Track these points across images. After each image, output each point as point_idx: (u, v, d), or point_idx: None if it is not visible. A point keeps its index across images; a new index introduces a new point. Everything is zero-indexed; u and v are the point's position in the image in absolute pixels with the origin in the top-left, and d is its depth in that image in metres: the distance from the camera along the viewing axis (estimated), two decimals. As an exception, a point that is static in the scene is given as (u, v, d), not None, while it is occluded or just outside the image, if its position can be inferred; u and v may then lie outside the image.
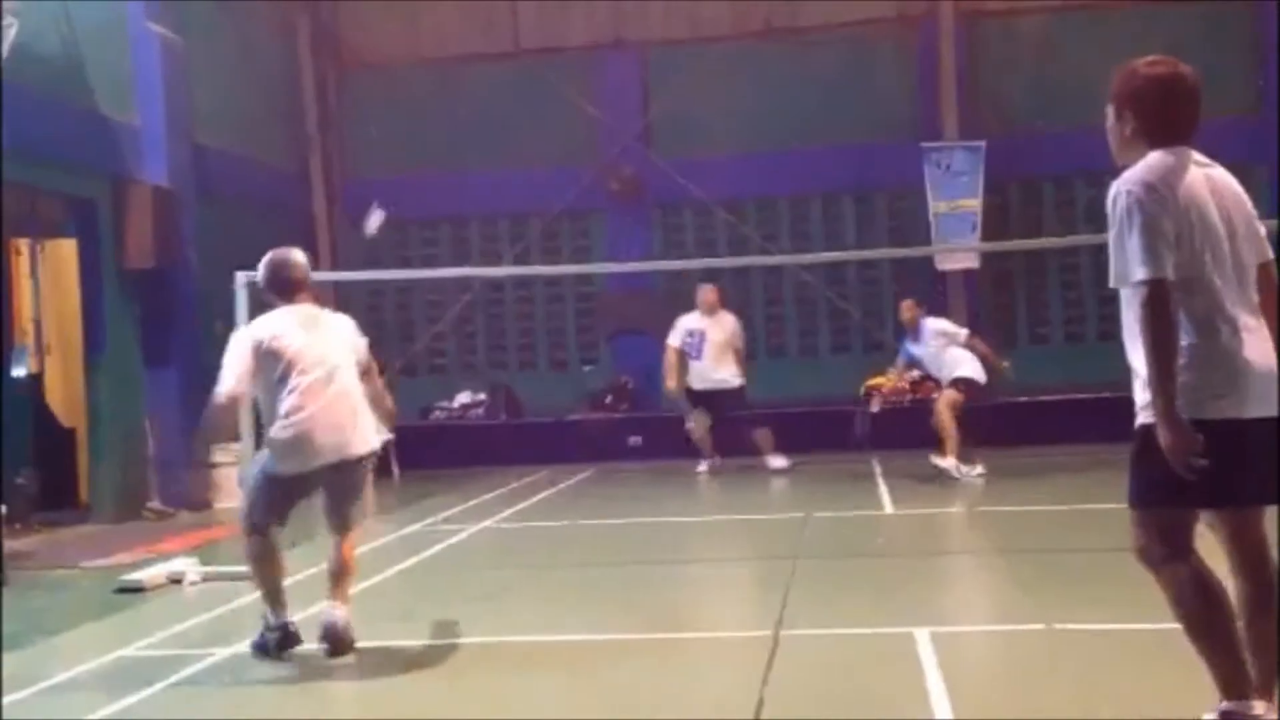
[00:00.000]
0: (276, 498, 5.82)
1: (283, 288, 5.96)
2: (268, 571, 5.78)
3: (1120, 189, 3.62)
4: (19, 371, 12.19)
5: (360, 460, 5.84)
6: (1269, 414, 3.57)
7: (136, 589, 7.49)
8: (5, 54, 8.95)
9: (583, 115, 16.61)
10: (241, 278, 8.12)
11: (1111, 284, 3.65)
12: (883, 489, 10.95)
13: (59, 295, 12.30)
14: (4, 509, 8.40)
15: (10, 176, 10.26)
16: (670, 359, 12.78)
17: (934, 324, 11.80)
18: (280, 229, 15.67)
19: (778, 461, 12.49)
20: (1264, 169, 15.76)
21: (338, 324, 6.01)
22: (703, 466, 12.70)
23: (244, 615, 6.76)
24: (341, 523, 5.91)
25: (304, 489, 5.85)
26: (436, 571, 8.09)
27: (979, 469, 11.18)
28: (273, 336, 5.72)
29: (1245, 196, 3.87)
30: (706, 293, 12.90)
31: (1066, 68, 15.93)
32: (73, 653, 5.95)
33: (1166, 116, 3.81)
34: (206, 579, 7.71)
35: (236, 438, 7.90)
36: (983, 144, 15.46)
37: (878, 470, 12.09)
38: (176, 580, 7.68)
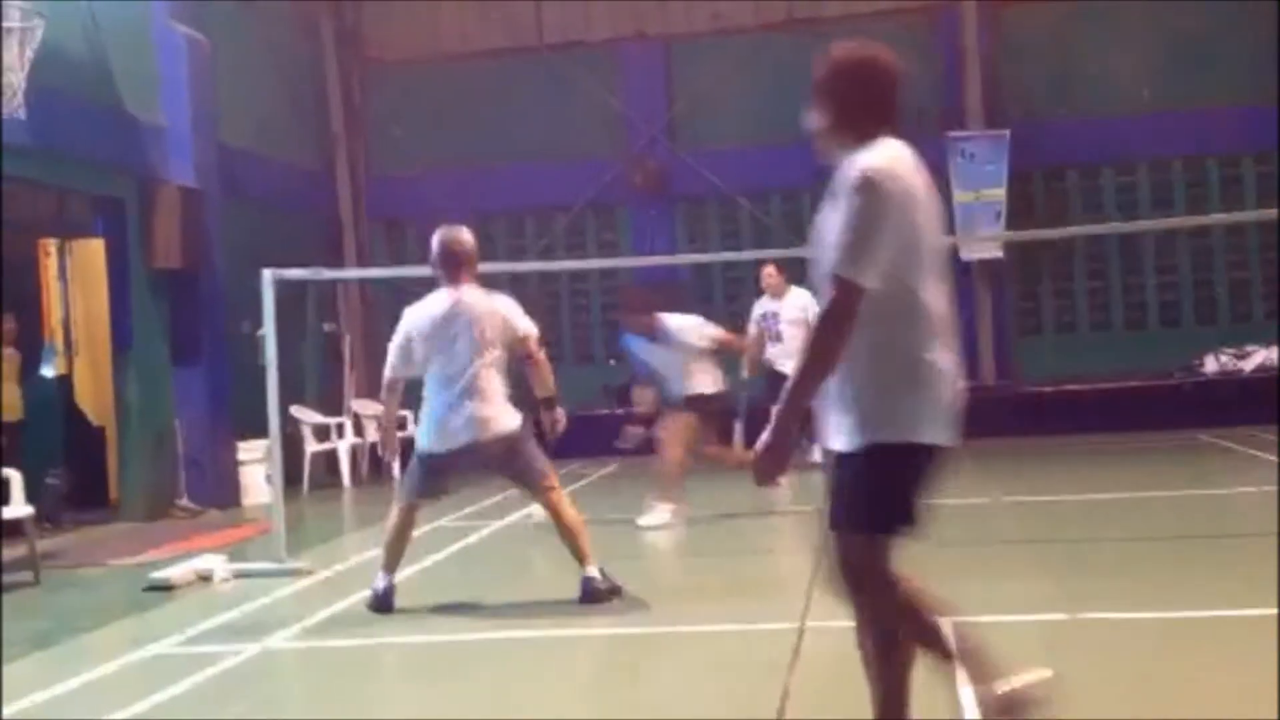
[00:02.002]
0: (428, 476, 6.38)
1: (447, 266, 6.41)
2: (400, 543, 6.38)
3: (863, 173, 3.20)
4: (48, 371, 12.31)
5: (499, 439, 6.25)
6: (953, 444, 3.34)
7: (166, 587, 7.56)
8: (31, 54, 9.02)
9: (606, 109, 16.63)
10: (268, 276, 8.16)
11: (828, 270, 3.21)
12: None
13: (87, 295, 12.41)
14: (35, 509, 8.47)
15: (38, 177, 10.37)
16: (752, 350, 11.17)
17: (679, 321, 9.34)
18: (306, 228, 15.84)
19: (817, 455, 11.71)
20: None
21: (494, 306, 6.47)
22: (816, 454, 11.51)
23: (273, 611, 6.82)
24: (528, 490, 6.50)
25: (455, 467, 6.38)
26: (461, 567, 8.12)
27: (666, 514, 9.05)
28: (427, 321, 6.34)
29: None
30: (768, 275, 11.70)
31: (1089, 56, 15.87)
32: (103, 650, 6.01)
33: (885, 105, 3.42)
34: (236, 576, 7.77)
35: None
36: (1007, 133, 15.40)
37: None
38: (206, 578, 7.74)
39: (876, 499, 3.25)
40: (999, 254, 15.69)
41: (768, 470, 3.21)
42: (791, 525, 9.11)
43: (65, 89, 10.31)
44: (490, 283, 18.29)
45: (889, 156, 3.26)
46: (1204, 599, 5.79)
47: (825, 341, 3.17)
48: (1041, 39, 16.05)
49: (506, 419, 6.33)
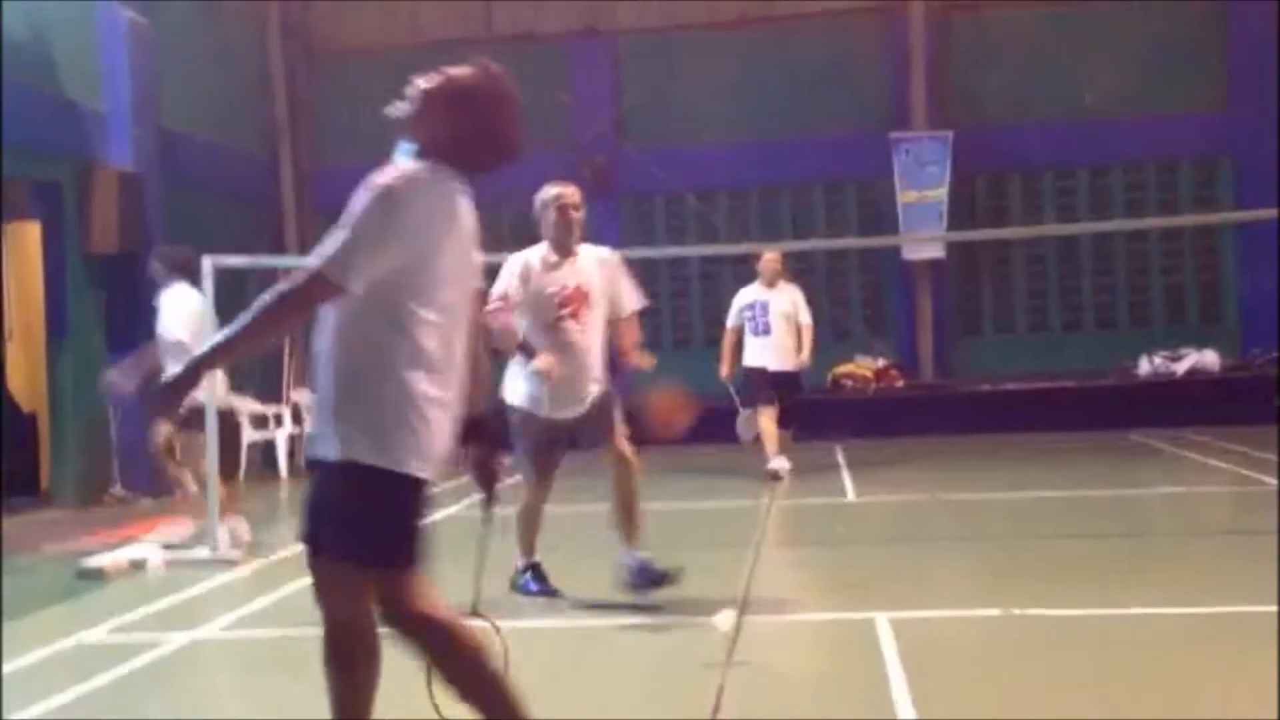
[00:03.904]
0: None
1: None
2: (535, 520, 6.23)
3: (391, 181, 3.12)
4: (-19, 356, 12.10)
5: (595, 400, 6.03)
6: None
7: (98, 575, 7.46)
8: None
9: (555, 104, 16.58)
10: (208, 263, 8.06)
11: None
12: (846, 477, 11.01)
13: (21, 279, 12.20)
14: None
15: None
16: (728, 343, 10.85)
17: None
18: (248, 216, 15.67)
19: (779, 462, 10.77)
20: (1228, 164, 15.95)
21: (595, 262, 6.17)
22: (778, 463, 10.65)
23: (205, 601, 6.76)
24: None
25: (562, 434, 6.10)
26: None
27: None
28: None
29: None
30: (768, 260, 10.93)
31: (1037, 62, 16.07)
32: (33, 637, 5.91)
33: (473, 137, 3.31)
34: (168, 565, 7.68)
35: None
36: (950, 135, 15.55)
37: (841, 459, 12.13)
38: (138, 566, 7.64)
39: (382, 532, 3.11)
40: (940, 254, 15.84)
41: (159, 405, 3.13)
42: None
43: (3, 70, 10.13)
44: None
45: (433, 179, 3.18)
46: (1133, 596, 5.88)
47: (269, 319, 3.04)
48: (988, 44, 16.21)
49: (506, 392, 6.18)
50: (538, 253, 6.12)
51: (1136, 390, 14.69)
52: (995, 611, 5.61)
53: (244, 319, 3.05)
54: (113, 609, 6.45)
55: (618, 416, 6.05)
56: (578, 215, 6.08)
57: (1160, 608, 5.65)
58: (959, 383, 15.71)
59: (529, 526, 6.24)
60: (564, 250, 6.06)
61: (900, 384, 15.67)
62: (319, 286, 3.02)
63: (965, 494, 9.90)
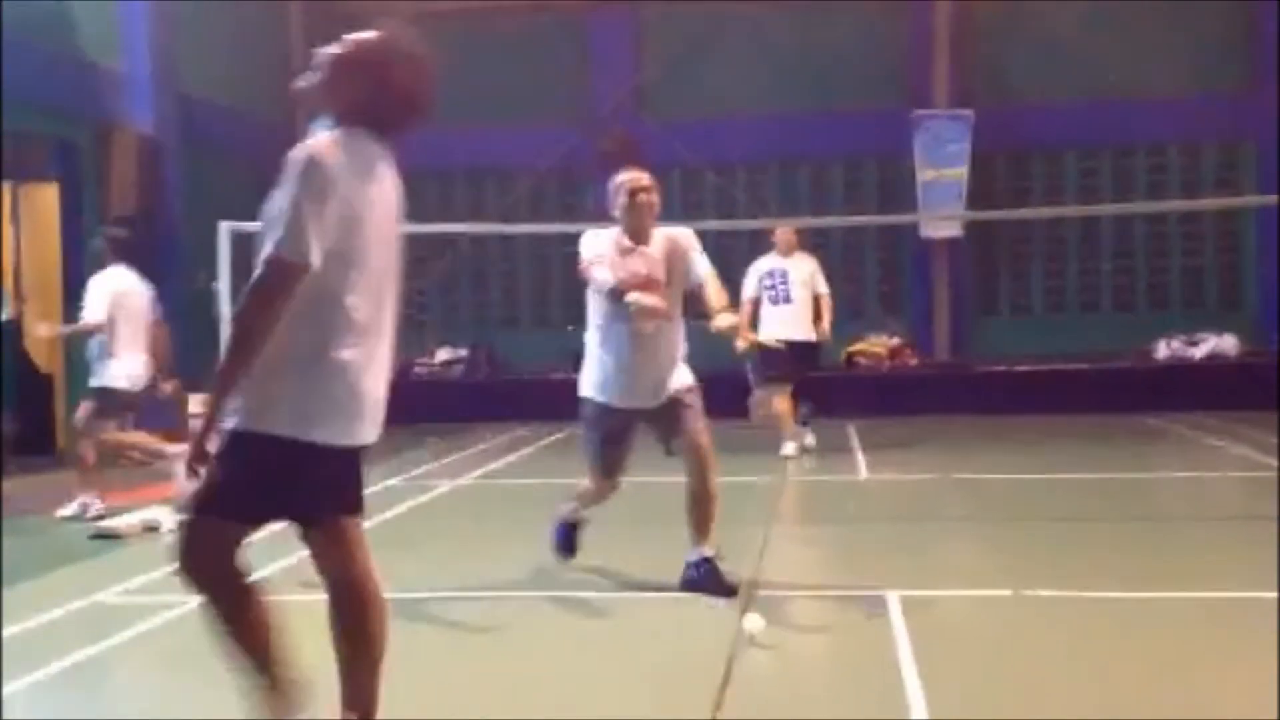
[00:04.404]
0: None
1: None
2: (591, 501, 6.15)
3: (308, 154, 3.11)
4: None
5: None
6: (362, 442, 3.26)
7: (113, 536, 7.50)
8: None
9: (574, 74, 16.55)
10: (224, 228, 8.07)
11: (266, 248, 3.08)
12: (859, 455, 11.00)
13: (39, 240, 12.23)
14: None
15: (-8, 119, 10.19)
16: (745, 314, 10.34)
17: None
18: (266, 181, 15.57)
19: (808, 438, 10.88)
20: (1251, 148, 15.84)
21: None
22: (790, 449, 10.63)
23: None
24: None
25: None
26: (412, 525, 8.12)
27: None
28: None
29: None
30: (781, 230, 10.96)
31: (1060, 42, 15.96)
32: (47, 598, 5.95)
33: (378, 100, 3.27)
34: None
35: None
36: (971, 113, 15.47)
37: (854, 437, 12.12)
38: (152, 528, 7.68)
39: (228, 485, 3.13)
40: (959, 233, 15.78)
41: (198, 459, 3.11)
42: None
43: (22, 31, 10.13)
44: (449, 243, 18.13)
45: (341, 144, 3.16)
46: (1144, 580, 5.87)
47: (251, 319, 3.03)
48: (1012, 22, 16.11)
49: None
50: (613, 236, 5.80)
51: (1153, 373, 14.64)
52: (1006, 592, 5.61)
53: (230, 336, 3.07)
54: (126, 571, 6.49)
55: (698, 411, 5.74)
56: (649, 199, 5.77)
57: (1171, 591, 5.64)
58: (973, 362, 15.67)
59: (585, 497, 6.14)
60: (636, 237, 5.76)
61: (914, 363, 15.64)
62: (284, 272, 3.02)
63: (977, 474, 9.88)
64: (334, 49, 3.33)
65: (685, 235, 5.89)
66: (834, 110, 16.03)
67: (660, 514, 7.81)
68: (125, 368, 8.33)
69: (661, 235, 5.81)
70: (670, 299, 5.65)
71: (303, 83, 3.35)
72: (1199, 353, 14.98)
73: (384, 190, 3.26)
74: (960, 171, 15.42)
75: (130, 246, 8.41)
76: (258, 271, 3.05)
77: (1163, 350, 15.12)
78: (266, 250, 3.05)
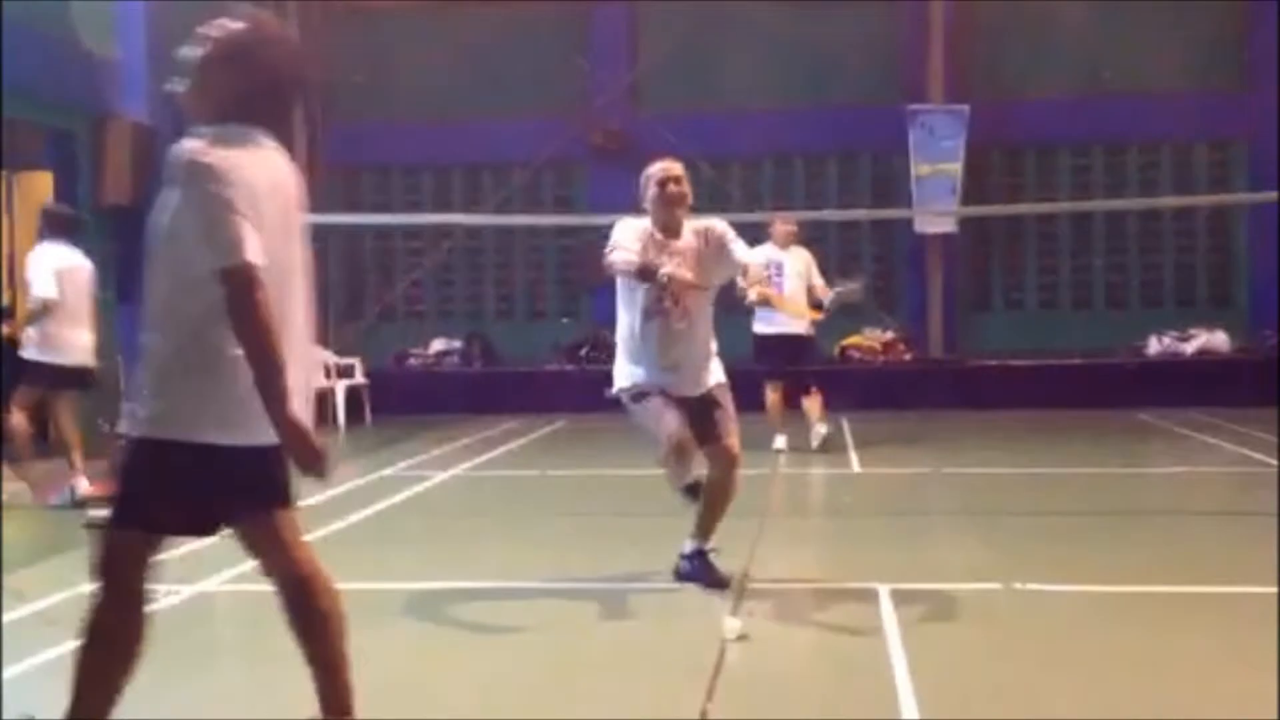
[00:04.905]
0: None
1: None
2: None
3: (195, 157, 3.04)
4: (-8, 304, 12.13)
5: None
6: (264, 443, 3.09)
7: (104, 526, 7.49)
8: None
9: (570, 67, 16.54)
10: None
11: (212, 266, 2.97)
12: (851, 449, 11.03)
13: (33, 228, 12.18)
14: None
15: (-13, 107, 10.17)
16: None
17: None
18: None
19: (821, 428, 10.70)
20: (1243, 146, 15.88)
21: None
22: (780, 442, 10.61)
23: (212, 553, 6.79)
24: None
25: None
26: (405, 516, 8.13)
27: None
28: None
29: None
30: (780, 223, 10.87)
31: (1056, 38, 15.97)
32: (39, 587, 5.96)
33: (255, 92, 3.20)
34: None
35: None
36: (966, 109, 15.47)
37: (847, 430, 12.15)
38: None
39: (137, 495, 3.13)
40: (953, 229, 15.80)
41: (313, 460, 3.03)
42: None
43: (17, 19, 10.11)
44: (445, 234, 18.12)
45: (239, 139, 3.11)
46: (1133, 574, 5.91)
47: (258, 338, 2.94)
48: (1007, 18, 16.10)
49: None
50: (644, 227, 5.58)
51: (1145, 369, 14.68)
52: (996, 585, 5.63)
53: (253, 363, 2.96)
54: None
55: (731, 412, 5.63)
56: (679, 190, 5.56)
57: (1159, 585, 5.68)
58: (967, 357, 15.71)
59: (671, 463, 5.55)
60: (667, 229, 5.54)
61: (908, 357, 15.67)
62: (249, 279, 2.94)
63: (969, 468, 9.91)
64: (200, 48, 3.25)
65: (718, 225, 5.66)
66: (829, 104, 16.03)
67: (651, 506, 7.84)
68: (72, 342, 8.30)
69: (692, 228, 5.61)
70: (700, 297, 5.49)
71: (178, 87, 3.26)
72: (1190, 349, 15.03)
73: (279, 182, 3.19)
74: (955, 167, 15.43)
75: (73, 223, 8.42)
76: (227, 294, 2.94)
77: (1154, 346, 15.17)
78: (216, 265, 2.95)
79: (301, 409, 3.06)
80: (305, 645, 3.30)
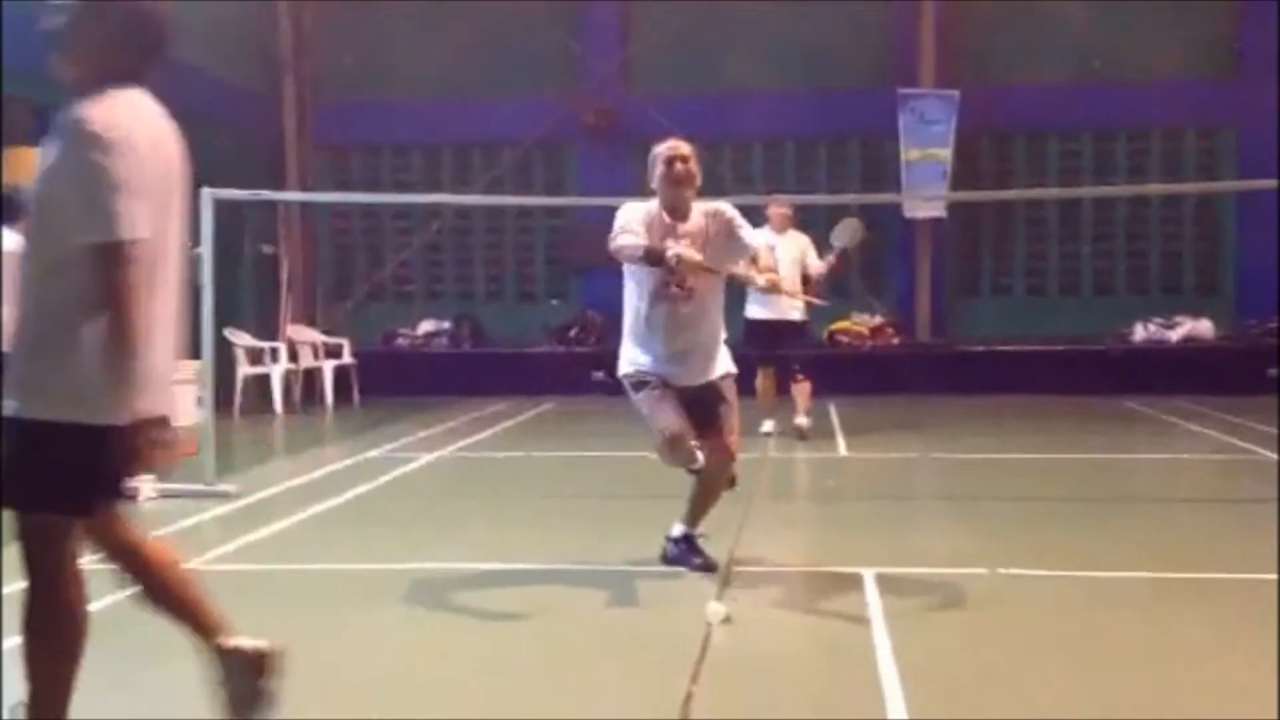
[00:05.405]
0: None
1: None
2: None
3: (86, 124, 2.94)
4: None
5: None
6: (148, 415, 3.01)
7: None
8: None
9: (561, 47, 16.48)
10: (207, 195, 8.04)
11: (92, 239, 2.88)
12: (838, 433, 11.05)
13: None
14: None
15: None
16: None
17: None
18: (249, 150, 15.58)
19: (801, 419, 10.54)
20: (1232, 133, 15.89)
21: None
22: (768, 425, 10.55)
23: (197, 534, 6.80)
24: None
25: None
26: (390, 498, 8.13)
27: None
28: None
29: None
30: (776, 206, 10.73)
31: (1046, 24, 15.96)
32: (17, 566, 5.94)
33: (130, 51, 3.15)
34: (162, 496, 7.71)
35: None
36: (956, 94, 15.46)
37: (834, 415, 12.17)
38: (131, 497, 7.66)
39: (35, 474, 3.02)
40: (942, 214, 15.80)
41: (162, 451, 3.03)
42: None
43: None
44: (434, 214, 18.03)
45: (120, 103, 3.02)
46: (1117, 560, 5.93)
47: (120, 320, 2.86)
48: (998, 4, 16.07)
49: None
50: (650, 209, 5.43)
51: (1131, 356, 14.73)
52: (981, 570, 5.65)
53: (113, 338, 2.88)
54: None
55: (734, 406, 5.54)
56: (686, 169, 5.38)
57: (1143, 571, 5.70)
58: (954, 343, 15.73)
59: (665, 455, 5.40)
60: (674, 211, 5.38)
61: (896, 342, 15.70)
62: (122, 256, 2.87)
63: (956, 453, 9.94)
64: (64, 14, 3.16)
65: (727, 208, 5.51)
66: (821, 88, 16.00)
67: (638, 488, 7.85)
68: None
69: (700, 210, 5.45)
70: (707, 281, 5.35)
71: (57, 66, 3.17)
72: (1175, 336, 15.08)
73: (160, 141, 3.11)
74: (944, 152, 15.43)
75: (12, 205, 8.29)
76: (107, 270, 2.86)
77: (1140, 333, 15.21)
78: (93, 237, 2.86)
79: (162, 395, 3.01)
80: (161, 602, 3.37)
